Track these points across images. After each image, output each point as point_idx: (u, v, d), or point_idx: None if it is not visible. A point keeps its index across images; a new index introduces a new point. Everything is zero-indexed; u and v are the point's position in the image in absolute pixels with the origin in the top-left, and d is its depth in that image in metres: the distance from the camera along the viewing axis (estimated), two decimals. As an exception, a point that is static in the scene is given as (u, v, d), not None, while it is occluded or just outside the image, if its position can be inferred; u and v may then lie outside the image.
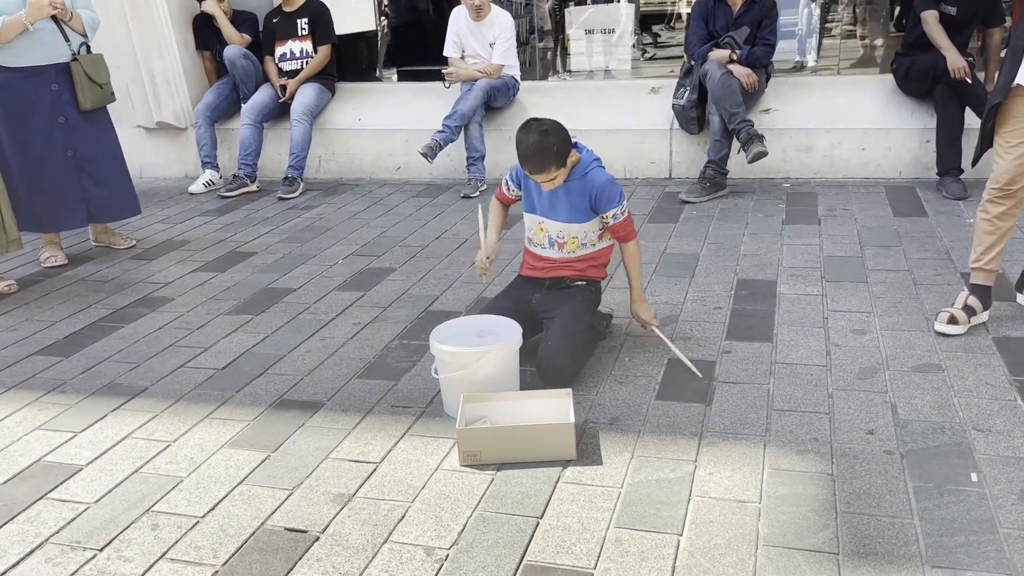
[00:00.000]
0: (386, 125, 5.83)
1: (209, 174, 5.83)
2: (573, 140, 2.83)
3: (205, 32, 5.93)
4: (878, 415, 2.48)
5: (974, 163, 3.14)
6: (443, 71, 5.48)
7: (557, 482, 2.25)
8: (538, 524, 2.09)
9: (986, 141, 2.94)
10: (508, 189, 3.04)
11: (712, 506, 2.11)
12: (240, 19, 5.89)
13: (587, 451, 2.39)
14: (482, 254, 2.99)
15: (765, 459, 2.30)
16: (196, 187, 5.78)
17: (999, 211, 2.90)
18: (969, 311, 2.97)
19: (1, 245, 3.93)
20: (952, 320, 2.95)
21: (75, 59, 4.13)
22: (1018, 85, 2.77)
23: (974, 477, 2.16)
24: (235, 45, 5.75)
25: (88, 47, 4.24)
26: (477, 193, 5.25)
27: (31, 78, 4.07)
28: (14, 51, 4.01)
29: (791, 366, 2.82)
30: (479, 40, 5.43)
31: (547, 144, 2.69)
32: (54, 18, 4.04)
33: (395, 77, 7.55)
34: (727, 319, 3.22)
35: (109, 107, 4.39)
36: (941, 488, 2.12)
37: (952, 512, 2.03)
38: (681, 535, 2.01)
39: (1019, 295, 3.19)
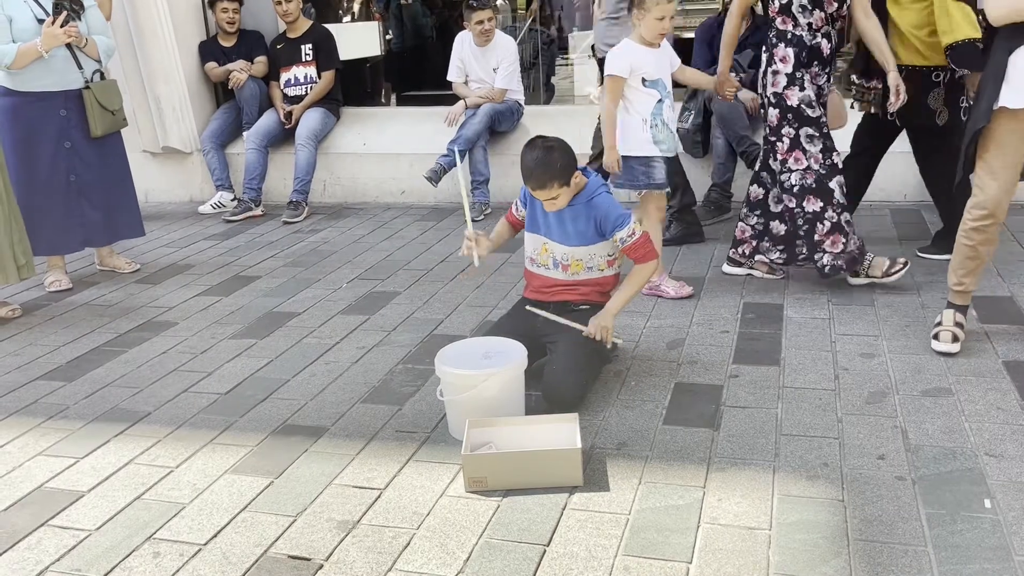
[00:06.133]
0: (390, 149, 5.85)
1: (222, 195, 5.90)
2: (581, 165, 2.83)
3: (213, 52, 5.95)
4: (888, 440, 2.45)
5: (955, 187, 3.12)
6: (446, 116, 5.48)
7: (564, 509, 2.22)
8: (545, 552, 2.06)
9: (968, 166, 2.92)
10: (517, 210, 3.05)
11: (721, 533, 2.08)
12: (252, 38, 5.93)
13: (594, 477, 2.36)
14: (473, 241, 2.91)
15: (775, 485, 2.27)
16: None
17: (983, 238, 2.89)
18: (960, 327, 2.99)
19: (11, 272, 3.91)
20: (955, 339, 2.95)
21: (87, 87, 4.16)
22: (1002, 108, 2.72)
23: (988, 503, 2.13)
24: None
25: (102, 73, 4.28)
26: (482, 217, 5.25)
27: (40, 103, 4.09)
28: (25, 76, 4.04)
29: (799, 390, 2.79)
30: (483, 65, 5.46)
31: (550, 160, 2.69)
32: (68, 45, 4.07)
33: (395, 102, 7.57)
34: (734, 343, 3.20)
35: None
36: (954, 515, 2.09)
37: (966, 539, 2.00)
38: (690, 563, 1.98)
39: (1028, 318, 3.18)
